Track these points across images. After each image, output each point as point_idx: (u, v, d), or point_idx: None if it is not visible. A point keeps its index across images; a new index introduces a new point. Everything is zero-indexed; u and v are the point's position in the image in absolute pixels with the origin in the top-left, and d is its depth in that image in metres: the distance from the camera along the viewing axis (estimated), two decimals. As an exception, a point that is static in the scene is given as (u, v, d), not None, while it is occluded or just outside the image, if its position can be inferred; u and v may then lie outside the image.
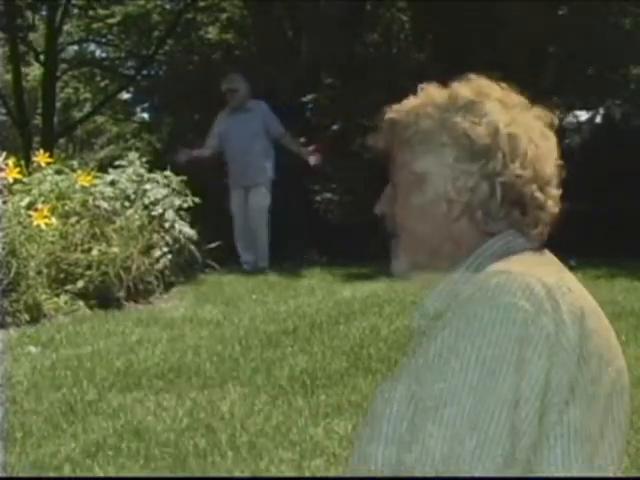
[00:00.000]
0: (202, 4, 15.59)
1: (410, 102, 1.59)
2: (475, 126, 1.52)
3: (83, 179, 7.18)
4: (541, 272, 1.46)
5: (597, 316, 1.50)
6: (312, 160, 9.11)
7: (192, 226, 8.08)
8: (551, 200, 1.55)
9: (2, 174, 6.58)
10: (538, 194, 1.53)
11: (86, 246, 6.73)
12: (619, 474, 1.49)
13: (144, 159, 8.30)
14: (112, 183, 7.74)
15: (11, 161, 6.75)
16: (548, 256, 1.56)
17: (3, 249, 5.93)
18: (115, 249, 6.80)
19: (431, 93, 1.58)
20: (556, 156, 1.57)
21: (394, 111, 1.59)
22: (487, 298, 1.41)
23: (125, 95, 18.09)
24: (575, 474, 1.42)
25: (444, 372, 1.39)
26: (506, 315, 1.39)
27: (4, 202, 6.44)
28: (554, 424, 1.41)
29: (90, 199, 7.12)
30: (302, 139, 11.83)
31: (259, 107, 8.97)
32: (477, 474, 1.34)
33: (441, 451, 1.36)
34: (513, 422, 1.36)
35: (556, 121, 1.59)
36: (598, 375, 1.45)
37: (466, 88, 1.57)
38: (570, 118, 12.01)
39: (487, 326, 1.39)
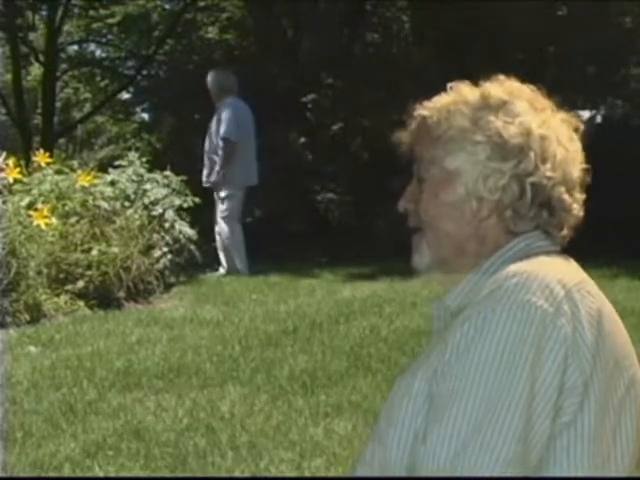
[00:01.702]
0: (202, 4, 15.56)
1: (441, 100, 1.59)
2: (508, 125, 1.52)
3: (83, 179, 7.18)
4: (561, 274, 1.46)
5: (614, 321, 1.50)
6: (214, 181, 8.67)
7: (192, 226, 8.08)
8: (577, 204, 1.56)
9: (2, 174, 6.58)
10: (565, 196, 1.53)
11: (86, 246, 6.74)
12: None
13: (144, 159, 8.29)
14: (112, 183, 7.74)
15: (11, 161, 6.75)
16: (568, 260, 1.56)
17: (3, 249, 5.93)
18: (115, 249, 6.80)
19: (463, 92, 1.58)
20: (581, 160, 1.58)
21: (425, 108, 1.59)
22: (506, 297, 1.41)
23: (125, 95, 18.07)
24: (586, 475, 1.41)
25: (459, 370, 1.39)
26: (524, 314, 1.39)
27: (4, 202, 6.44)
28: (567, 426, 1.41)
29: (90, 199, 7.12)
30: (302, 139, 11.85)
31: (224, 106, 8.61)
32: (486, 474, 1.33)
33: (448, 449, 1.36)
34: (526, 422, 1.36)
35: (581, 126, 1.60)
36: (613, 379, 1.45)
37: (498, 88, 1.57)
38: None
39: (505, 324, 1.39)
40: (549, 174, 1.51)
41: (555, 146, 1.53)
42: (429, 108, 1.59)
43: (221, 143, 8.52)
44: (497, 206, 1.53)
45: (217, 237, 8.78)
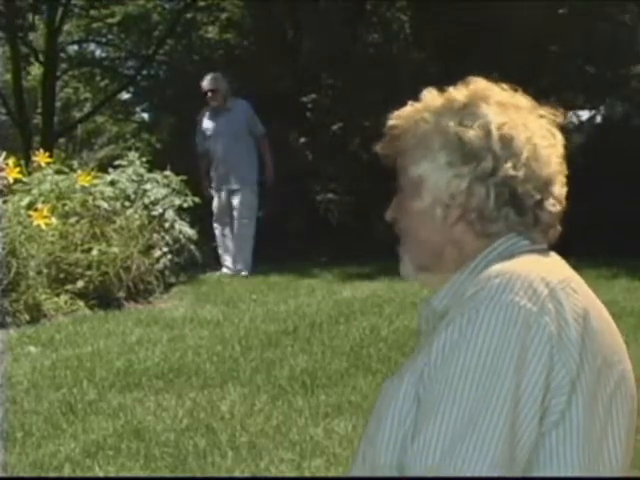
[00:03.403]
0: (202, 4, 15.54)
1: (408, 109, 1.61)
2: (467, 129, 1.52)
3: (83, 179, 7.18)
4: (545, 272, 1.46)
5: (603, 319, 1.49)
6: (266, 176, 8.86)
7: (192, 226, 8.08)
8: (552, 199, 1.54)
9: (2, 174, 6.58)
10: (534, 194, 1.52)
11: (86, 246, 6.74)
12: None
13: (144, 159, 8.30)
14: (112, 183, 7.74)
15: (11, 161, 6.75)
16: (554, 257, 1.56)
17: (3, 249, 5.93)
18: (115, 249, 6.81)
19: (428, 98, 1.60)
20: (560, 154, 1.57)
21: (394, 118, 1.61)
22: (489, 297, 1.41)
23: (125, 95, 18.05)
24: (579, 474, 1.41)
25: (445, 371, 1.39)
26: (507, 314, 1.39)
27: (4, 202, 6.44)
28: (556, 425, 1.40)
29: (90, 199, 7.13)
30: (302, 139, 11.84)
31: (240, 106, 8.80)
32: (474, 475, 1.33)
33: (435, 451, 1.36)
34: (512, 422, 1.36)
35: (561, 119, 1.60)
36: (601, 375, 1.45)
37: (462, 92, 1.58)
38: (570, 118, 12.01)
39: (488, 326, 1.39)
40: (512, 173, 1.51)
41: (521, 144, 1.52)
42: (397, 118, 1.61)
43: (251, 140, 8.73)
44: (463, 210, 1.53)
45: (221, 237, 8.79)
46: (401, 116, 1.60)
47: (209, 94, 8.80)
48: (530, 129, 1.54)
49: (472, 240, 1.54)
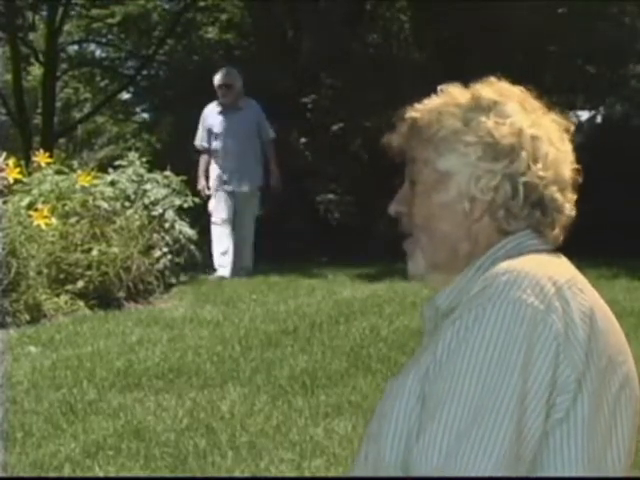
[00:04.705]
0: (202, 4, 15.54)
1: (432, 102, 1.60)
2: (499, 126, 1.52)
3: (83, 179, 7.18)
4: (552, 271, 1.46)
5: (608, 319, 1.50)
6: (273, 181, 8.74)
7: (192, 226, 8.07)
8: (568, 203, 1.56)
9: (2, 174, 6.58)
10: (558, 196, 1.54)
11: (86, 246, 6.74)
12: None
13: (144, 159, 8.28)
14: (112, 183, 7.74)
15: (11, 161, 6.76)
16: (560, 257, 1.56)
17: (3, 249, 5.93)
18: (115, 249, 6.80)
19: (453, 93, 1.59)
20: (572, 160, 1.58)
21: (415, 110, 1.59)
22: (496, 294, 1.41)
23: (125, 95, 18.05)
24: (582, 473, 1.41)
25: (451, 367, 1.39)
26: (515, 312, 1.39)
27: (4, 202, 6.44)
28: (560, 423, 1.40)
29: (90, 199, 7.12)
30: (302, 139, 11.85)
31: (252, 107, 8.59)
32: (479, 472, 1.33)
33: (440, 449, 1.35)
34: (518, 420, 1.36)
35: (572, 127, 1.60)
36: (606, 375, 1.45)
37: (488, 89, 1.58)
38: (570, 118, 12.02)
39: (495, 322, 1.39)
40: (541, 174, 1.52)
41: (547, 146, 1.54)
42: (419, 110, 1.59)
43: (258, 143, 8.62)
44: (490, 206, 1.53)
45: (218, 238, 8.68)
46: (424, 109, 1.59)
47: (222, 89, 8.52)
48: (550, 132, 1.56)
49: (490, 236, 1.54)
